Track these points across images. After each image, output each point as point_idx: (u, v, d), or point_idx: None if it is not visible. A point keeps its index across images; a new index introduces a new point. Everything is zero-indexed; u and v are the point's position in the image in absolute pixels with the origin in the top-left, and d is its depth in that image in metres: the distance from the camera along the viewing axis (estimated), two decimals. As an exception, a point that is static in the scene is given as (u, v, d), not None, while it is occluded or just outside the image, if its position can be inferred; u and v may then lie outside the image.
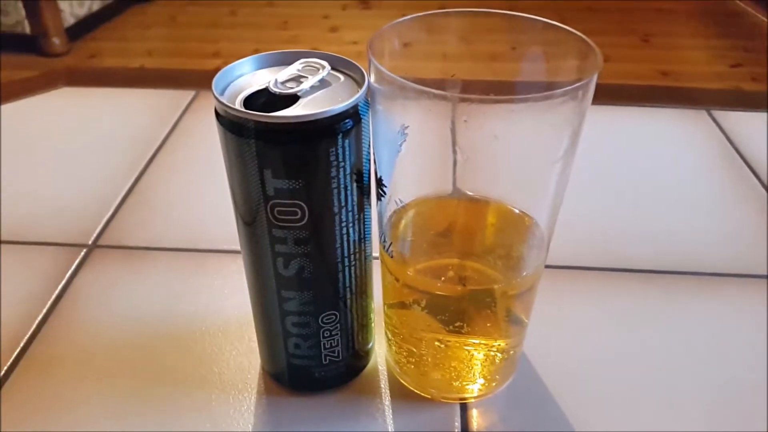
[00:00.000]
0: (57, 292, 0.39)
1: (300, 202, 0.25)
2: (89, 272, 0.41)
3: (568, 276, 0.40)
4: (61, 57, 0.74)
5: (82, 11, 0.78)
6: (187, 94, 0.61)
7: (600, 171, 0.49)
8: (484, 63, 0.30)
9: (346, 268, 0.28)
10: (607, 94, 0.56)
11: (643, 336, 0.36)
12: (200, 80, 0.64)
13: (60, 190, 0.48)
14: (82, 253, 0.42)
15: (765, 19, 0.81)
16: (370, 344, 0.34)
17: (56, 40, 0.74)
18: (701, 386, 0.33)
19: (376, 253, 0.30)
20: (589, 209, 0.45)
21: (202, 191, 0.48)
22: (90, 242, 0.43)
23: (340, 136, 0.24)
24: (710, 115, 0.57)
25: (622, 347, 0.35)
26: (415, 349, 0.32)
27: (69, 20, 0.76)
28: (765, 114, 0.56)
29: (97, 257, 0.42)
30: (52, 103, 0.61)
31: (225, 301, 0.38)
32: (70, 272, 0.41)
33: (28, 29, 0.73)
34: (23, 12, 0.73)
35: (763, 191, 0.47)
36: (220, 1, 0.92)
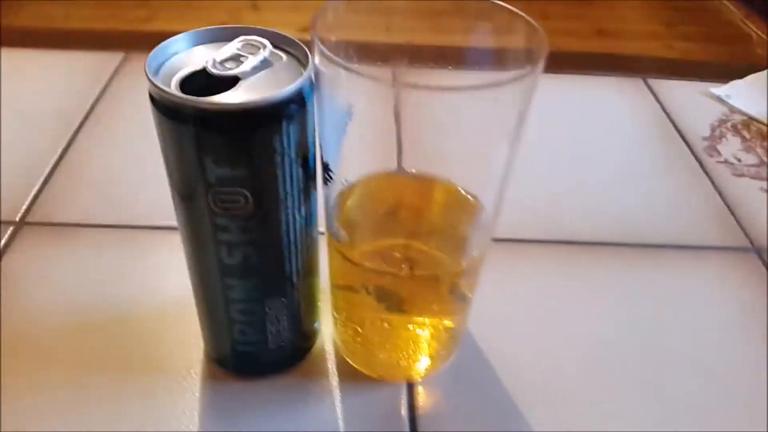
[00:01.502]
0: (-19, 275, 0.37)
1: (243, 190, 0.24)
2: (17, 252, 0.39)
3: (508, 249, 0.41)
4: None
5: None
6: (115, 57, 0.57)
7: (538, 141, 0.49)
8: (432, 29, 0.29)
9: (293, 254, 0.28)
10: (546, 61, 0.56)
11: (585, 309, 0.37)
12: (130, 41, 0.61)
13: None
14: (9, 231, 0.40)
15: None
16: (317, 324, 0.33)
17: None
18: (643, 358, 0.34)
19: (322, 229, 0.30)
20: (528, 181, 0.46)
21: (135, 162, 0.46)
22: (17, 219, 0.41)
23: (285, 122, 0.23)
24: (646, 83, 0.58)
25: (564, 320, 0.36)
26: (360, 329, 0.32)
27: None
28: (697, 83, 0.58)
29: (25, 235, 0.40)
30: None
31: (164, 281, 0.37)
32: (-5, 253, 0.38)
33: None
34: None
35: (695, 162, 0.49)
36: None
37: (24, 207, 0.42)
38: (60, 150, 0.47)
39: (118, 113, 0.51)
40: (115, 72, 0.55)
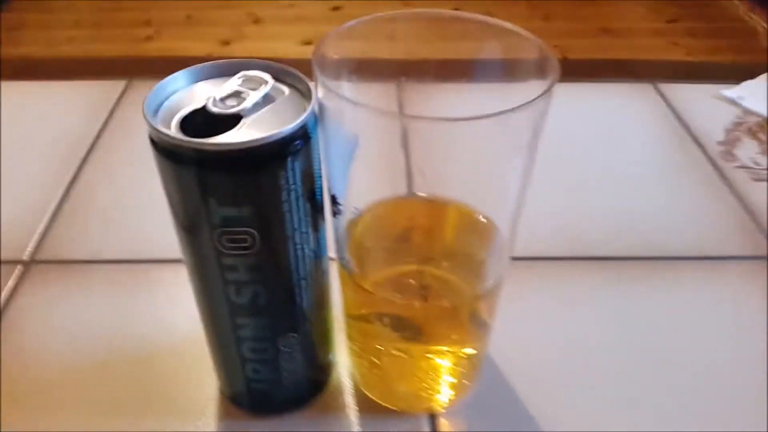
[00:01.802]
0: (-9, 318, 0.36)
1: (250, 229, 0.24)
2: (27, 291, 0.38)
3: (525, 267, 0.40)
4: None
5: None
6: (117, 85, 0.57)
7: (548, 153, 0.48)
8: (437, 49, 0.29)
9: (303, 290, 0.27)
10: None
11: (608, 326, 0.36)
12: (131, 68, 0.60)
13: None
14: (18, 271, 0.39)
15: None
16: (333, 356, 0.32)
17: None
18: (673, 379, 0.33)
19: (333, 255, 0.29)
20: (540, 195, 0.44)
21: (143, 193, 0.45)
22: (26, 258, 0.40)
23: (290, 159, 0.23)
24: (656, 88, 0.57)
25: (588, 340, 0.35)
26: (377, 360, 0.31)
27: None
28: (709, 86, 0.57)
29: (35, 274, 0.39)
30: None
31: (176, 316, 0.36)
32: (5, 293, 0.38)
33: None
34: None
35: (711, 168, 0.48)
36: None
37: (32, 245, 0.41)
38: (66, 184, 0.46)
39: (123, 143, 0.50)
40: (118, 101, 0.55)
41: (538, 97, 0.22)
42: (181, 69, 0.25)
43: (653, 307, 0.37)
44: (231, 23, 0.69)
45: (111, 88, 0.57)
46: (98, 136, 0.51)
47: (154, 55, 0.61)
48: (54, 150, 0.49)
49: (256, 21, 0.70)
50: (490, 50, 0.27)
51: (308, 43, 0.63)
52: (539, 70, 0.25)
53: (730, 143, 0.50)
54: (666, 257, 0.41)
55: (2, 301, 0.37)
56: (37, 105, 0.56)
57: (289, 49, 0.63)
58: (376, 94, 0.28)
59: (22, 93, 0.57)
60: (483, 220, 0.29)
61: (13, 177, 0.47)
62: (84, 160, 0.48)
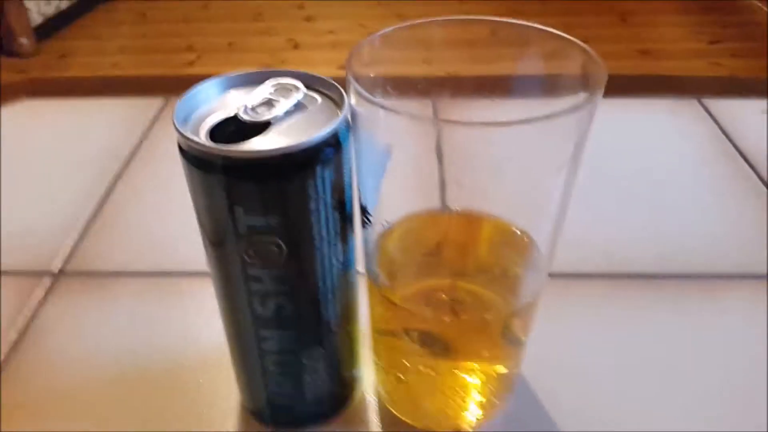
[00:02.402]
0: (20, 327, 0.36)
1: (277, 239, 0.23)
2: (56, 303, 0.38)
3: (563, 284, 0.38)
4: (30, 58, 0.70)
5: (50, 10, 0.75)
6: (154, 103, 0.58)
7: (590, 170, 0.47)
8: (472, 59, 0.28)
9: (330, 302, 0.26)
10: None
11: (648, 347, 0.34)
12: (170, 86, 0.61)
13: (21, 213, 0.45)
14: (49, 282, 0.40)
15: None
16: (357, 371, 0.32)
17: (24, 40, 0.70)
18: (716, 403, 0.32)
19: (361, 268, 0.28)
20: (583, 211, 0.43)
21: (174, 208, 0.45)
22: (56, 270, 0.41)
23: (319, 167, 0.22)
24: (701, 103, 0.55)
25: (625, 361, 0.34)
26: (403, 376, 0.30)
27: (37, 19, 0.72)
28: (757, 101, 0.55)
29: (63, 286, 0.39)
30: (13, 117, 0.57)
31: (200, 330, 0.36)
32: (35, 304, 0.38)
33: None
34: (-12, 13, 0.69)
35: (762, 186, 0.46)
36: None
37: (63, 257, 0.41)
38: (99, 198, 0.47)
39: (157, 159, 0.51)
40: (155, 118, 0.56)
41: (583, 103, 0.21)
42: (219, 86, 0.24)
43: (698, 328, 0.35)
44: (271, 49, 0.70)
45: (149, 105, 0.57)
46: (134, 152, 0.51)
47: (193, 73, 0.62)
48: (90, 164, 0.50)
49: (296, 47, 0.71)
50: (532, 59, 0.26)
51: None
52: (583, 80, 0.24)
53: (778, 160, 0.48)
54: (712, 275, 0.39)
55: (31, 312, 0.37)
56: (76, 121, 0.57)
57: (328, 73, 0.63)
58: (411, 106, 0.28)
59: (63, 110, 0.58)
60: (520, 234, 0.28)
61: (48, 190, 0.48)
62: (118, 176, 0.49)
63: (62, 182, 0.48)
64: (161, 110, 0.57)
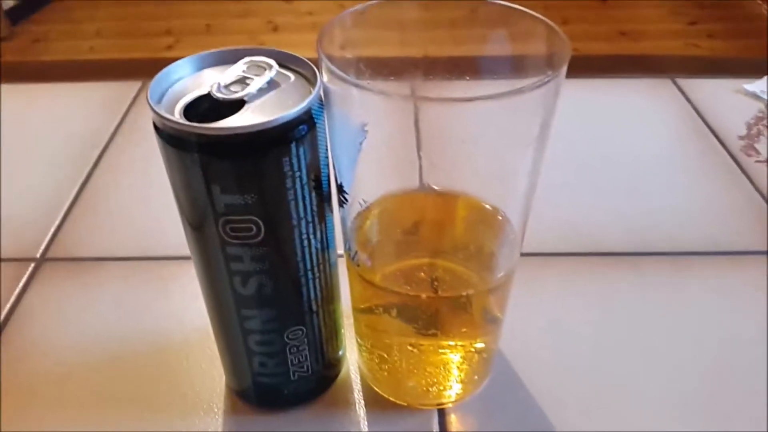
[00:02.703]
0: (4, 313, 0.36)
1: (254, 217, 0.23)
2: (40, 289, 0.38)
3: (538, 263, 0.39)
4: (4, 42, 0.69)
5: (20, -5, 0.73)
6: (132, 86, 0.57)
7: (564, 149, 0.47)
8: (446, 39, 0.28)
9: (310, 281, 0.26)
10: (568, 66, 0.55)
11: (622, 323, 0.35)
12: (148, 69, 0.61)
13: (0, 199, 0.45)
14: (30, 268, 0.39)
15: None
16: (341, 351, 0.32)
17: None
18: (688, 375, 0.32)
19: (341, 251, 0.28)
20: (556, 190, 0.44)
21: (155, 192, 0.45)
22: (38, 255, 0.40)
23: (294, 144, 0.22)
24: (675, 83, 0.56)
25: (600, 337, 0.34)
26: (386, 355, 0.31)
27: (9, 2, 0.71)
28: (731, 80, 0.55)
29: (46, 271, 0.39)
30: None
31: (187, 312, 0.36)
32: (18, 290, 0.38)
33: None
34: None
35: (732, 163, 0.47)
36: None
37: (44, 243, 0.41)
38: (79, 183, 0.46)
39: (136, 143, 0.50)
40: (133, 102, 0.55)
41: (547, 79, 0.22)
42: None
43: (669, 304, 0.36)
44: (250, 31, 0.70)
45: (126, 89, 0.57)
46: (112, 136, 0.51)
47: (171, 56, 0.62)
48: (68, 149, 0.50)
49: (275, 29, 0.71)
50: (505, 39, 0.26)
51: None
52: (549, 57, 0.24)
53: (751, 137, 0.49)
54: (684, 253, 0.39)
55: (14, 298, 0.37)
56: (53, 105, 0.56)
57: (307, 55, 0.63)
58: (384, 85, 0.28)
59: (37, 95, 0.58)
60: (493, 211, 0.28)
61: (28, 176, 0.47)
62: (98, 160, 0.49)
63: (42, 168, 0.48)
64: (139, 94, 0.56)
